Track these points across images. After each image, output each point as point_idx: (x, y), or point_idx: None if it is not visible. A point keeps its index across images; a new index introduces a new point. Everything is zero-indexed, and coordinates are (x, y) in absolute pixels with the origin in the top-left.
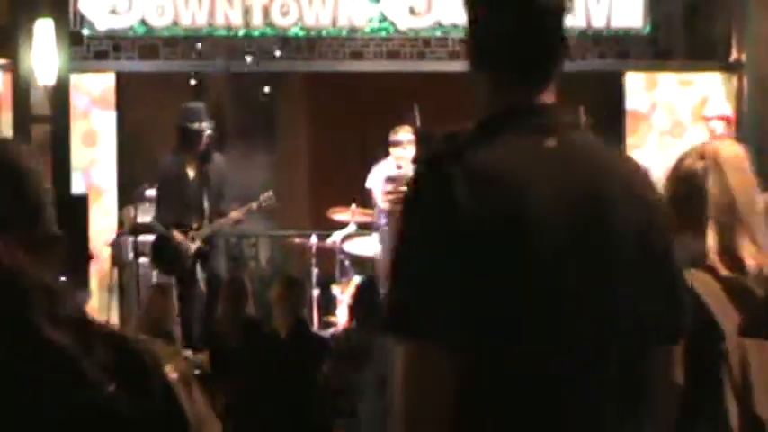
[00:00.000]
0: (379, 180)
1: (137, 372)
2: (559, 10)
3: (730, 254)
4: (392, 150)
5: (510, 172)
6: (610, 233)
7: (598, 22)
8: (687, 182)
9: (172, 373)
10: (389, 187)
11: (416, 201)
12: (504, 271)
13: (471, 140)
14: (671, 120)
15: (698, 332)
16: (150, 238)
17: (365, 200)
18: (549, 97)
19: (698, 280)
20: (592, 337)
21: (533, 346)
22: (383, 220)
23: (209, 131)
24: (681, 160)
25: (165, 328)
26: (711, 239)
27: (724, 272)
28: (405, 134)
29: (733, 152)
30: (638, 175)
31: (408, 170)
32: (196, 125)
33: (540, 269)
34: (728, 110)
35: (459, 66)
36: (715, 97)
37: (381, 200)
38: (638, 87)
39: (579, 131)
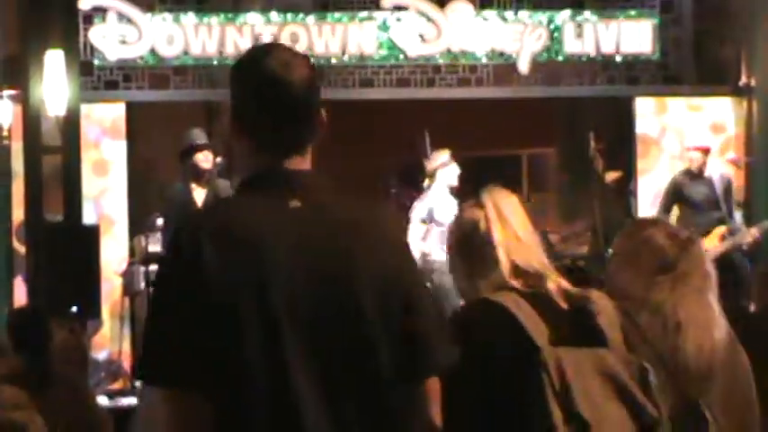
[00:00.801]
0: (416, 216)
1: None
2: (307, 86)
3: (526, 275)
4: (439, 173)
5: (253, 230)
6: (349, 284)
7: (608, 48)
8: (471, 228)
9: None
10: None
11: (169, 256)
12: (240, 322)
13: (226, 202)
14: (680, 144)
15: (515, 347)
16: None
17: None
18: (299, 163)
19: (507, 300)
20: (331, 381)
21: (271, 393)
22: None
23: (208, 156)
24: (462, 212)
25: None
26: (505, 268)
27: (527, 290)
28: (442, 155)
29: (507, 195)
30: (386, 230)
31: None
32: (195, 145)
33: (273, 318)
34: (707, 142)
35: (469, 92)
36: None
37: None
38: (648, 112)
39: (329, 194)
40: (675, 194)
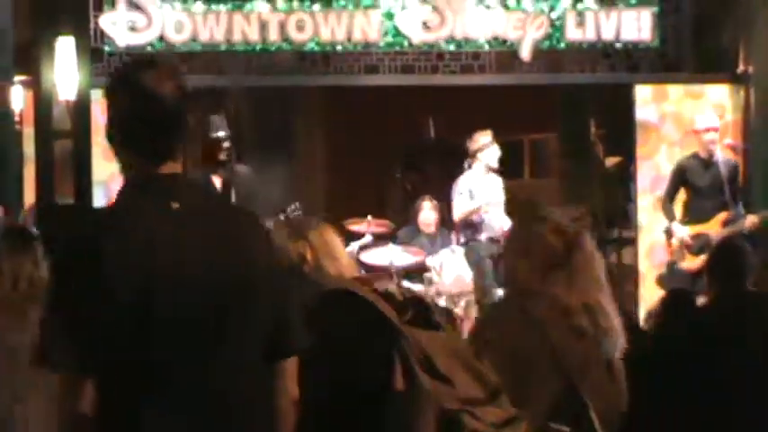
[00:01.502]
0: (462, 188)
1: None
2: (176, 99)
3: (361, 281)
4: (479, 155)
5: (140, 230)
6: (217, 278)
7: (608, 36)
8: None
9: None
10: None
11: (64, 256)
12: (133, 314)
13: (112, 206)
14: (680, 131)
15: (377, 327)
16: None
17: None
18: (173, 167)
19: (366, 294)
20: (204, 362)
21: (153, 376)
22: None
23: (227, 141)
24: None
25: None
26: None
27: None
28: (484, 137)
29: (324, 230)
30: (248, 226)
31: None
32: (214, 134)
33: (157, 308)
34: (717, 121)
35: (471, 79)
36: (706, 112)
37: (457, 213)
38: (648, 99)
39: (200, 196)
40: (681, 178)
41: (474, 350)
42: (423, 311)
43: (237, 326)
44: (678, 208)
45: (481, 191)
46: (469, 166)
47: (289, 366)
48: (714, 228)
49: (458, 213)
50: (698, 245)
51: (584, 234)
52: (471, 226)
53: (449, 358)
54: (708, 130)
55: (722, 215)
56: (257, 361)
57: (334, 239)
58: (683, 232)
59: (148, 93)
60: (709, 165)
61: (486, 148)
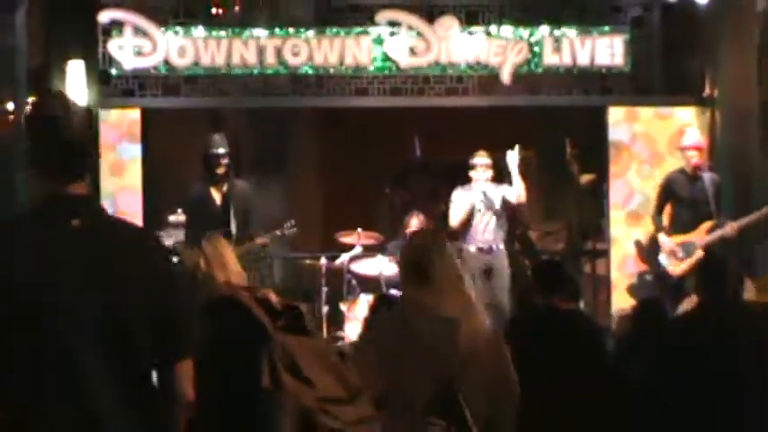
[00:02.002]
0: (458, 202)
1: None
2: (83, 126)
3: (245, 289)
4: (471, 173)
5: (38, 244)
6: (113, 291)
7: (583, 61)
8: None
9: None
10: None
11: None
12: (32, 324)
13: (19, 222)
14: (650, 150)
15: (251, 331)
16: (174, 259)
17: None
18: (79, 188)
19: (244, 297)
20: (98, 371)
21: (55, 383)
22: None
23: (226, 158)
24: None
25: None
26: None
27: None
28: (479, 157)
29: (217, 242)
30: (138, 240)
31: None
32: (214, 151)
33: (56, 319)
34: (703, 141)
35: (455, 101)
36: (691, 130)
37: (453, 221)
38: (620, 120)
39: (101, 215)
40: (669, 192)
41: (356, 347)
42: (295, 318)
43: (124, 334)
44: (664, 220)
45: (491, 197)
46: (475, 179)
47: (182, 370)
48: (699, 236)
49: (453, 221)
50: (683, 251)
51: (445, 251)
52: (463, 235)
53: (313, 361)
54: (691, 147)
55: (707, 224)
56: (147, 367)
57: (226, 250)
58: (670, 242)
59: (58, 120)
60: (694, 179)
61: (479, 166)
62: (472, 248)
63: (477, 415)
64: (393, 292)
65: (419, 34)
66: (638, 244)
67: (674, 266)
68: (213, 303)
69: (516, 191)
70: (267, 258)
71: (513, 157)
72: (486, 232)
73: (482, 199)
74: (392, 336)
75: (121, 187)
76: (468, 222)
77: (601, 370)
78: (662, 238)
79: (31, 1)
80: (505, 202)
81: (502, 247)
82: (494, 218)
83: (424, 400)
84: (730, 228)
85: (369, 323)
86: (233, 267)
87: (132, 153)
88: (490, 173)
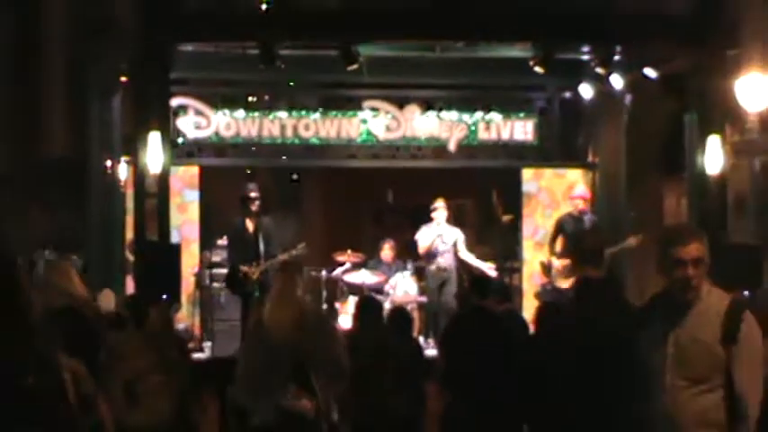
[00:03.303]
0: (423, 237)
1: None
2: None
3: (84, 299)
4: (432, 215)
5: None
6: None
7: (505, 136)
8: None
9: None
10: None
11: None
12: None
13: None
14: (550, 199)
15: (85, 337)
16: (221, 270)
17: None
18: None
19: (84, 309)
20: None
21: None
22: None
23: (257, 200)
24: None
25: None
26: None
27: None
28: (438, 203)
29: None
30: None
31: (442, 228)
32: (249, 194)
33: None
34: (587, 193)
35: (417, 163)
36: (578, 185)
37: (421, 249)
38: (530, 178)
39: None
40: (560, 228)
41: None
42: (121, 322)
43: None
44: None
45: (446, 237)
46: (433, 221)
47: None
48: None
49: (421, 249)
50: (568, 271)
51: (281, 270)
52: (427, 258)
53: (139, 349)
54: (578, 197)
55: None
56: None
57: (69, 268)
58: (560, 263)
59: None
60: (578, 220)
61: (435, 210)
62: (433, 268)
63: (318, 382)
64: (372, 294)
65: (392, 117)
66: (541, 264)
67: (563, 281)
68: (59, 311)
69: (460, 236)
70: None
71: (438, 206)
72: (442, 258)
73: (440, 235)
74: (254, 337)
75: (184, 221)
76: (430, 250)
77: (515, 349)
78: (555, 261)
79: (124, 90)
80: (454, 241)
81: (453, 267)
82: (447, 248)
83: (287, 370)
84: (629, 242)
85: (357, 318)
86: (77, 286)
87: (192, 197)
88: (446, 214)
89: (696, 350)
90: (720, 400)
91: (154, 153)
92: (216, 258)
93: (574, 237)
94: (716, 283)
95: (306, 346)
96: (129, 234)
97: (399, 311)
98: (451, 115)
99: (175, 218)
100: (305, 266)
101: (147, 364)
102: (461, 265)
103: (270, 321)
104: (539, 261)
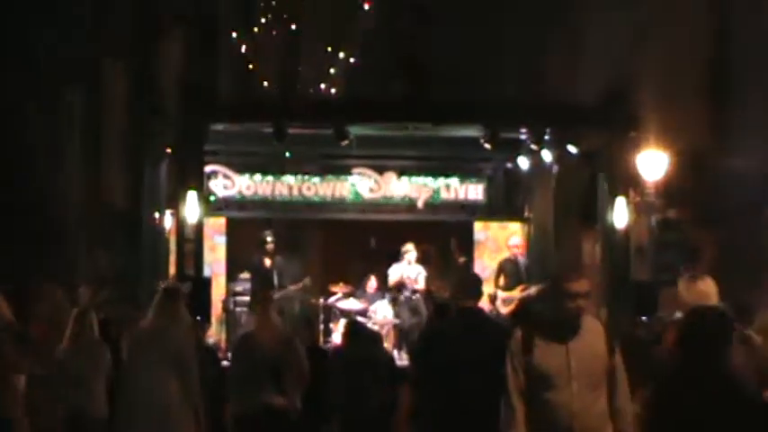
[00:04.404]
0: (393, 272)
1: None
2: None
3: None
4: (404, 256)
5: None
6: None
7: (461, 197)
8: None
9: None
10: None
11: None
12: None
13: None
14: (495, 245)
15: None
16: (243, 298)
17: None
18: None
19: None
20: None
21: None
22: (404, 293)
23: (272, 243)
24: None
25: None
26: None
27: None
28: (408, 246)
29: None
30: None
31: (411, 267)
32: (266, 239)
33: None
34: (520, 242)
35: (394, 217)
36: (515, 236)
37: (391, 282)
38: (480, 229)
39: None
40: (501, 269)
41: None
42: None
43: None
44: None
45: (410, 274)
46: (400, 260)
47: None
48: (516, 293)
49: (391, 281)
50: (509, 301)
51: (259, 306)
52: (398, 288)
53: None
54: (515, 246)
55: (521, 287)
56: None
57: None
58: (502, 295)
59: None
60: (515, 263)
61: (406, 252)
62: (402, 297)
63: (287, 382)
64: (359, 318)
65: (374, 181)
66: (488, 295)
67: (505, 308)
68: None
69: (422, 273)
70: (294, 299)
71: (407, 249)
72: (409, 290)
73: (407, 271)
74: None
75: (215, 259)
76: (399, 283)
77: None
78: (499, 293)
79: (169, 159)
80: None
81: (419, 296)
82: (412, 281)
83: (267, 374)
84: (533, 290)
85: (346, 336)
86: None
87: (220, 241)
88: (414, 255)
89: (594, 361)
90: (606, 400)
91: (191, 207)
92: (238, 288)
93: (460, 280)
94: (621, 311)
95: (281, 357)
96: (172, 269)
97: (372, 331)
98: (420, 180)
99: (208, 256)
100: (307, 295)
101: None
102: (427, 294)
103: (256, 338)
104: (487, 294)
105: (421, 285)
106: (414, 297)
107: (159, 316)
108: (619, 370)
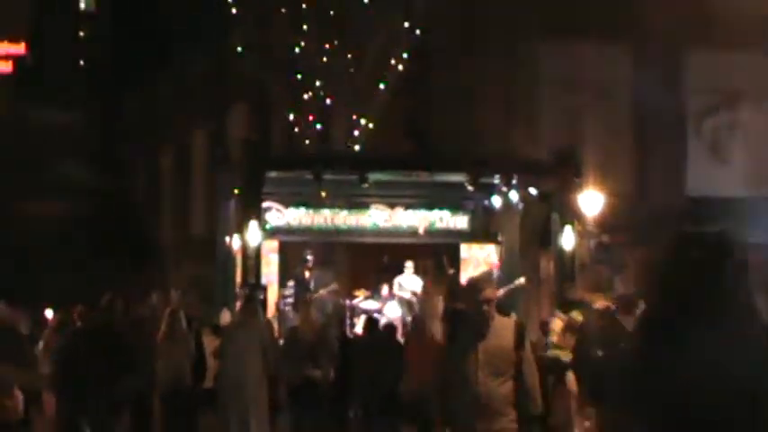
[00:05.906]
0: (396, 283)
1: None
2: None
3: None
4: (405, 269)
5: None
6: None
7: (450, 225)
8: None
9: None
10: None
11: None
12: None
13: None
14: (476, 262)
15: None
16: (289, 300)
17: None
18: None
19: None
20: None
21: None
22: (394, 298)
23: (311, 262)
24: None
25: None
26: None
27: None
28: (408, 263)
29: None
30: None
31: (410, 278)
32: (306, 257)
33: None
34: (495, 260)
35: (401, 240)
36: (492, 254)
37: (395, 289)
38: (466, 249)
39: None
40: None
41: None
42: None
43: None
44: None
45: (407, 285)
46: (403, 271)
47: None
48: (498, 292)
49: (395, 291)
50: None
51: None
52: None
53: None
54: (491, 263)
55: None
56: None
57: None
58: None
59: None
60: (491, 274)
61: (407, 268)
62: (404, 300)
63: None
64: (376, 315)
65: (387, 214)
66: None
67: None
68: None
69: (418, 282)
70: (327, 301)
71: (408, 265)
72: (406, 295)
73: (404, 281)
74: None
75: (269, 272)
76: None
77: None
78: None
79: (236, 197)
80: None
81: (416, 300)
82: (410, 288)
83: (305, 353)
84: (501, 292)
85: (366, 329)
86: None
87: (274, 258)
88: (412, 269)
89: (499, 354)
90: (513, 387)
91: (252, 234)
92: (286, 293)
93: (451, 289)
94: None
95: (317, 343)
96: (238, 280)
97: (389, 324)
98: (421, 213)
99: (264, 270)
100: (337, 298)
101: None
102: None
103: (299, 330)
104: None
105: (417, 290)
106: (412, 302)
107: (243, 313)
108: (527, 362)
